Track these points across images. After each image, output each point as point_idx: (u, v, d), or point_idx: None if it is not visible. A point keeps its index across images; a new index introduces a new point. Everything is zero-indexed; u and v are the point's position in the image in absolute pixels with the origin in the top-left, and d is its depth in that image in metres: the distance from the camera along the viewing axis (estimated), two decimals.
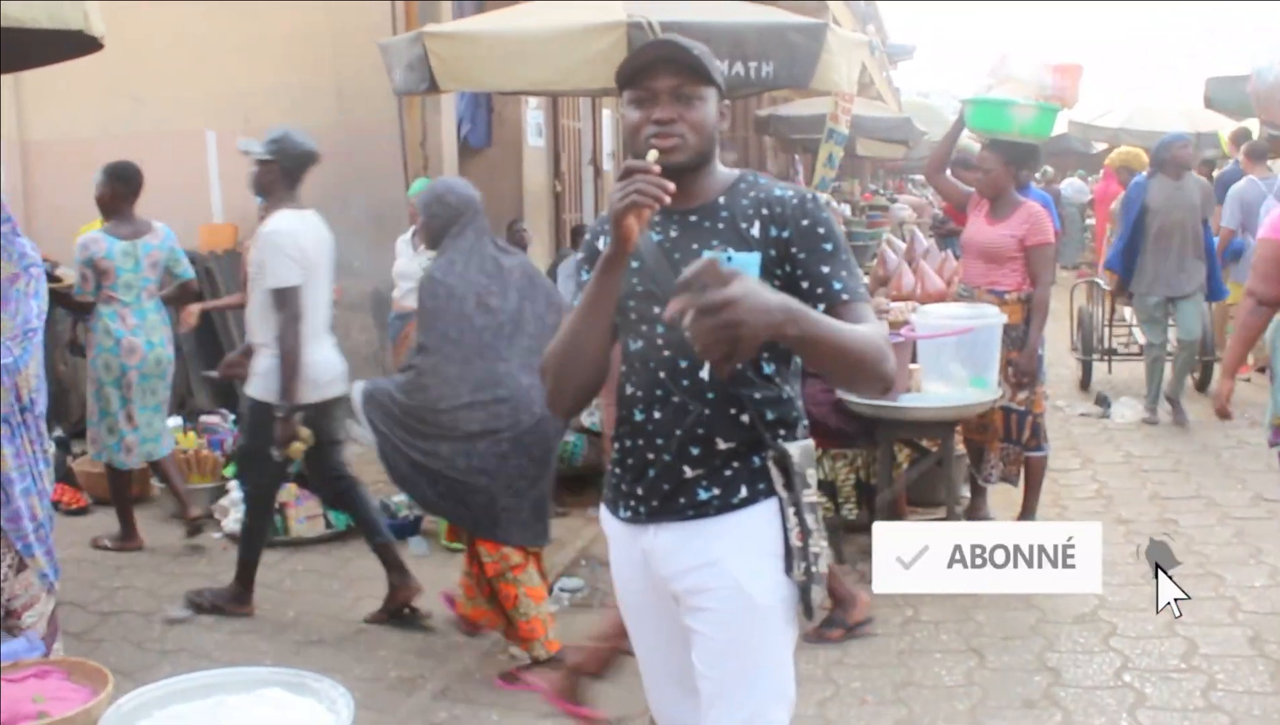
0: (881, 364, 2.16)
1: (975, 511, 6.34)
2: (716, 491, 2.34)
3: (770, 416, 2.35)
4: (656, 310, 2.31)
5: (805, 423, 2.44)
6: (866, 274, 8.01)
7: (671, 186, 2.14)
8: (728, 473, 2.34)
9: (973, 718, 4.19)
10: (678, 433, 2.34)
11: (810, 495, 2.35)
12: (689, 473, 2.35)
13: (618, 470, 2.46)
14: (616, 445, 2.46)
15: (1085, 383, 10.19)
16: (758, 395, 2.34)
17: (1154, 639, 4.75)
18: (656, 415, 2.36)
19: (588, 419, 6.51)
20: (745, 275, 1.93)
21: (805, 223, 2.33)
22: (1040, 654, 4.66)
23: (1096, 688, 4.36)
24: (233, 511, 6.32)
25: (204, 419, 7.32)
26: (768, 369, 2.36)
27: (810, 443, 2.40)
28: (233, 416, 7.13)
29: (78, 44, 3.67)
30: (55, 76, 4.99)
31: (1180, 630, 4.84)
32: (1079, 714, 4.20)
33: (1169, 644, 4.71)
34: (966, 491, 6.40)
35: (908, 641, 4.83)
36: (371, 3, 8.47)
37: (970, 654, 4.68)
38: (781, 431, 2.37)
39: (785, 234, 2.32)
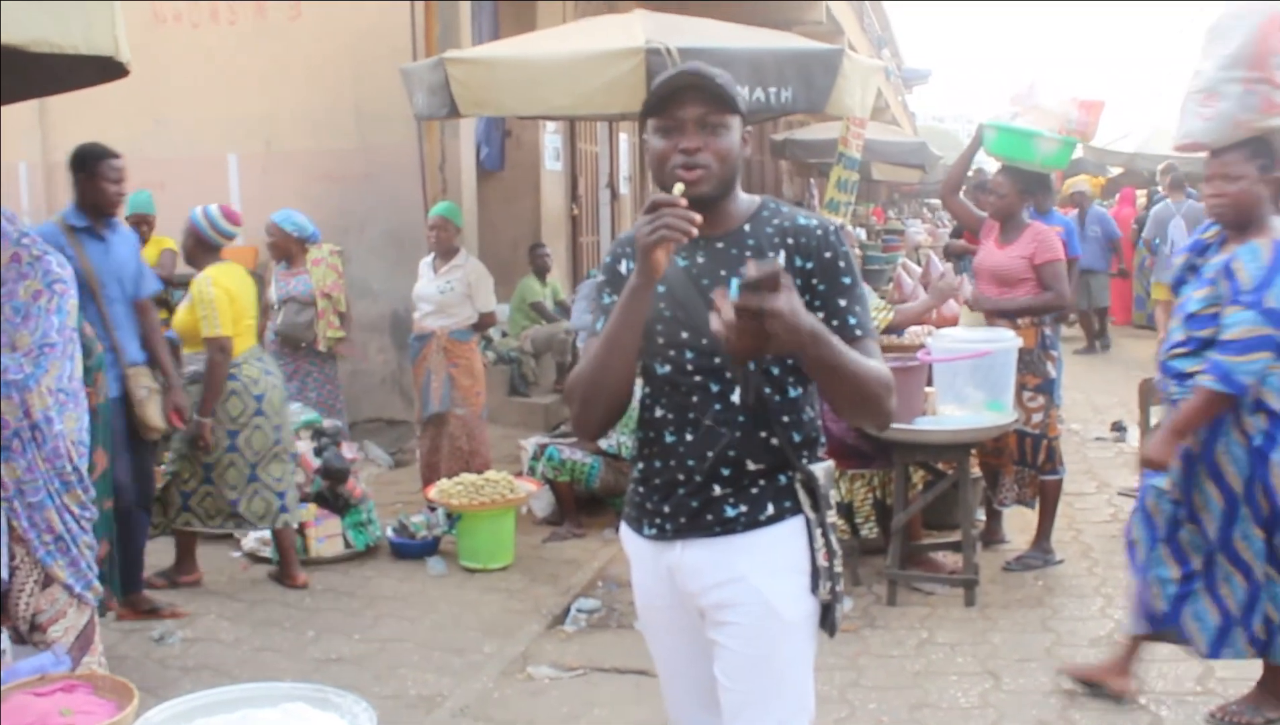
0: (885, 398, 2.28)
1: (991, 534, 6.37)
2: (743, 509, 2.39)
3: (797, 438, 2.41)
4: (685, 335, 2.37)
5: (824, 441, 2.50)
6: (883, 297, 8.05)
7: (699, 219, 2.19)
8: (754, 491, 2.39)
9: None
10: (709, 454, 2.38)
11: (831, 516, 2.41)
12: (717, 491, 2.39)
13: (642, 489, 2.50)
14: (641, 465, 2.50)
15: None
16: (785, 418, 2.39)
17: (1169, 662, 4.75)
18: (688, 437, 2.41)
19: (604, 442, 6.55)
20: (794, 291, 2.08)
21: (828, 256, 2.39)
22: (1056, 677, 4.66)
23: (1112, 711, 4.37)
24: (252, 531, 6.36)
25: None
26: (793, 393, 2.41)
27: (831, 464, 2.46)
28: None
29: (105, 70, 3.72)
30: (80, 100, 5.07)
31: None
32: None
33: (1184, 667, 4.70)
34: (982, 514, 6.42)
35: (923, 663, 4.84)
36: (392, 29, 8.57)
37: (986, 676, 4.69)
38: (805, 452, 2.42)
39: (809, 265, 2.38)
